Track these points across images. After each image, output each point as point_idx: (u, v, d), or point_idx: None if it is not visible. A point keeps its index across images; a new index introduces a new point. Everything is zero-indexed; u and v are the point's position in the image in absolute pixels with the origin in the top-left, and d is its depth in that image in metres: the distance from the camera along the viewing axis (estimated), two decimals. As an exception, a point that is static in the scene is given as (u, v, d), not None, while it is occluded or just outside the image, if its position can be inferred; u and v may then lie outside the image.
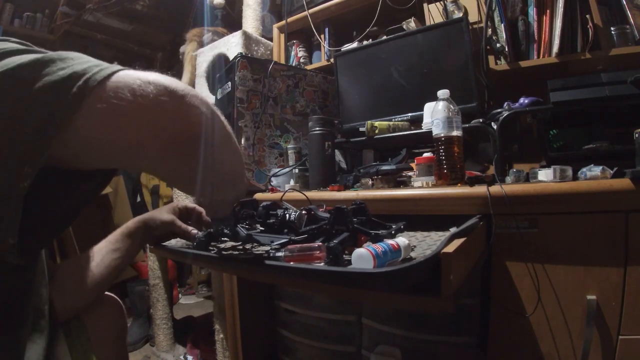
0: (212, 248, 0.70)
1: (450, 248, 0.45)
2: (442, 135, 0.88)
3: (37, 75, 0.34)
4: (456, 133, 0.88)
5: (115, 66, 0.37)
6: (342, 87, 1.46)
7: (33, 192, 0.34)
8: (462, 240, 0.51)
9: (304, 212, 0.66)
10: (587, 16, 1.10)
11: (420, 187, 0.94)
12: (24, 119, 0.33)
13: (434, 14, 1.40)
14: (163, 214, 0.82)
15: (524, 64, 1.17)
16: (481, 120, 1.01)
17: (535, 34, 1.16)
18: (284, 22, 1.76)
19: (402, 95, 1.29)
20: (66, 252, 2.13)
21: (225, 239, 0.77)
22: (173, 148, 0.40)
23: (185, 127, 0.39)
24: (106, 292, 0.84)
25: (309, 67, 1.67)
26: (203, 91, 1.85)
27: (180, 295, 2.97)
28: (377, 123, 1.17)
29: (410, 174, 1.08)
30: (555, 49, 1.12)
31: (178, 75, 2.51)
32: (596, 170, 0.72)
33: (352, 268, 0.46)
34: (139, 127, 0.37)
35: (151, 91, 0.37)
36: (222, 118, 0.46)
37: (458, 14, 1.31)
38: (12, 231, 0.34)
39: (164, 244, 0.83)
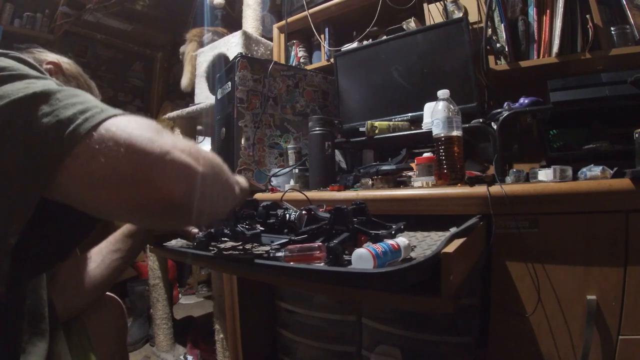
0: (212, 248, 0.70)
1: (450, 248, 0.45)
2: (442, 135, 0.88)
3: (22, 121, 0.33)
4: (456, 133, 0.88)
5: (100, 113, 0.36)
6: (342, 87, 1.46)
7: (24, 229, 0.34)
8: (462, 240, 0.51)
9: (304, 212, 0.66)
10: (587, 16, 1.10)
11: (420, 187, 0.94)
12: (10, 173, 0.33)
13: (434, 14, 1.40)
14: None
15: (524, 64, 1.17)
16: (481, 120, 1.01)
17: (535, 34, 1.16)
18: (284, 22, 1.76)
19: (402, 95, 1.29)
20: (66, 252, 2.13)
21: (226, 239, 0.77)
22: (150, 214, 0.38)
23: (160, 198, 0.36)
24: (107, 293, 0.84)
25: (309, 67, 1.67)
26: (203, 91, 1.86)
27: (180, 295, 2.97)
28: (377, 123, 1.17)
29: (410, 174, 1.08)
30: (555, 49, 1.12)
31: (178, 75, 2.51)
32: (596, 170, 0.72)
33: (352, 268, 0.46)
34: (109, 197, 0.35)
35: (122, 158, 0.34)
36: (210, 160, 0.42)
37: (458, 14, 1.31)
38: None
39: (164, 244, 0.83)
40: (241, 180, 0.61)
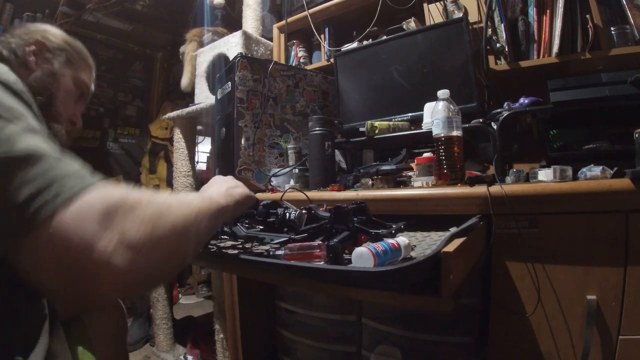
0: (211, 247, 0.70)
1: (450, 247, 0.45)
2: (442, 135, 0.88)
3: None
4: (456, 133, 0.88)
5: (53, 200, 0.35)
6: (342, 87, 1.46)
7: None
8: (462, 240, 0.51)
9: (304, 211, 0.66)
10: (587, 16, 1.10)
11: (420, 187, 0.94)
12: None
13: (434, 14, 1.40)
14: None
15: (524, 64, 1.17)
16: (481, 120, 1.01)
17: (535, 34, 1.16)
18: (284, 22, 1.77)
19: (402, 95, 1.29)
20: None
21: (225, 237, 0.77)
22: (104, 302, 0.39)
23: (98, 302, 0.37)
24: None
25: (309, 67, 1.67)
26: (203, 91, 1.85)
27: (180, 295, 2.97)
28: (377, 123, 1.17)
29: (410, 174, 1.08)
30: (555, 49, 1.12)
31: (178, 75, 2.51)
32: (596, 170, 0.72)
33: (352, 267, 0.46)
34: (58, 288, 0.36)
35: (72, 251, 0.34)
36: (171, 230, 0.40)
37: (458, 14, 1.31)
38: None
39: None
40: (236, 193, 0.60)
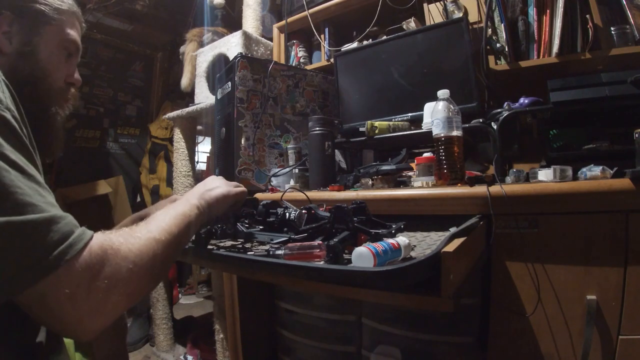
0: (211, 246, 0.70)
1: (450, 247, 0.45)
2: (442, 135, 0.88)
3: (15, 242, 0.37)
4: (456, 133, 0.88)
5: (60, 256, 0.38)
6: (342, 87, 1.46)
7: None
8: (462, 239, 0.51)
9: (304, 211, 0.66)
10: (587, 16, 1.10)
11: (420, 187, 0.94)
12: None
13: (434, 14, 1.40)
14: (159, 208, 0.79)
15: (524, 64, 1.17)
16: (481, 120, 1.01)
17: (535, 34, 1.16)
18: (284, 22, 1.77)
19: (402, 95, 1.29)
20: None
21: (225, 237, 0.77)
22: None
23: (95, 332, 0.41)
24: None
25: (309, 67, 1.67)
26: (203, 91, 1.86)
27: (180, 295, 2.97)
28: (377, 123, 1.16)
29: (410, 174, 1.08)
30: (555, 49, 1.12)
31: (178, 75, 2.51)
32: (596, 170, 0.72)
33: (352, 266, 0.46)
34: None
35: (59, 301, 0.39)
36: (149, 275, 0.46)
37: (458, 14, 1.31)
38: None
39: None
40: (211, 196, 0.64)
